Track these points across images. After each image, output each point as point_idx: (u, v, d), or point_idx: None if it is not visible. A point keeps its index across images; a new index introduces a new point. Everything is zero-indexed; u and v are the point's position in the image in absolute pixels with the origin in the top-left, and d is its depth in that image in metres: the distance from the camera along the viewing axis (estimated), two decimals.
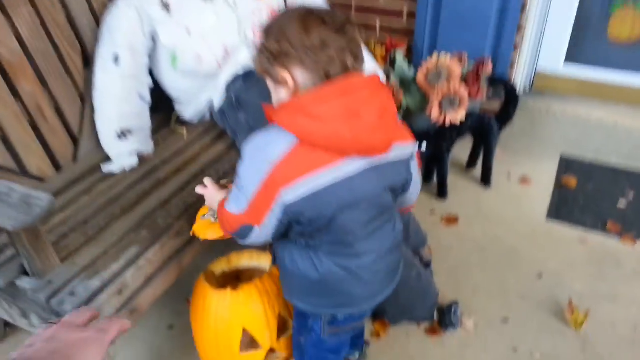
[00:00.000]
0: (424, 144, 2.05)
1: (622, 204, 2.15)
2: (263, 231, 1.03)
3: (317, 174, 0.95)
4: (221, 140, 1.76)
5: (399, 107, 2.08)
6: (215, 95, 1.76)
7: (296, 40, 0.94)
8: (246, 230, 1.04)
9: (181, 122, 1.87)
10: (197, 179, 1.55)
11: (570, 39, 2.35)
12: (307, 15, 0.96)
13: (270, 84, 1.03)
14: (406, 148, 1.08)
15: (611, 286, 1.79)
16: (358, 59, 0.99)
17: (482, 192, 2.26)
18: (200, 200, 1.28)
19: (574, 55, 2.38)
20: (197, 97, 1.80)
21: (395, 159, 1.05)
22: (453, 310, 1.65)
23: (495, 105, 2.28)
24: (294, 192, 0.95)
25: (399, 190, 1.14)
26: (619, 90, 2.34)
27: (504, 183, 2.30)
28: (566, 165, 2.40)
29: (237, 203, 1.03)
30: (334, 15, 0.97)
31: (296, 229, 1.05)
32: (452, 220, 2.08)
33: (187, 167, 1.63)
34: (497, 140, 2.17)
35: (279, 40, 0.96)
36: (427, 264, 1.79)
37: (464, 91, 2.00)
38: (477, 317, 1.68)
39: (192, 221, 1.33)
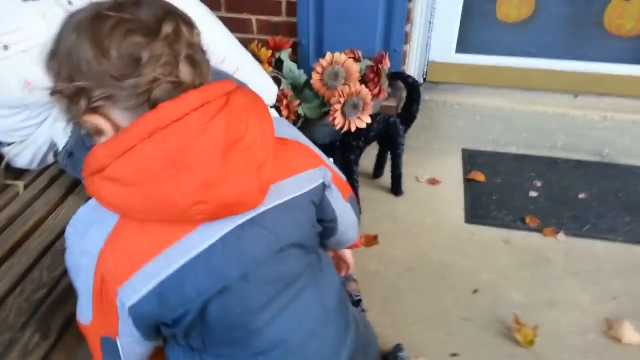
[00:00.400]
0: (332, 159, 1.77)
1: (533, 193, 2.07)
2: (127, 344, 0.70)
3: (156, 258, 0.63)
4: (75, 192, 1.30)
5: (297, 118, 1.77)
6: (57, 131, 1.31)
7: (93, 67, 0.60)
8: (111, 347, 0.71)
9: (13, 171, 1.38)
10: (46, 256, 1.10)
11: (461, 24, 2.21)
12: (98, 21, 0.60)
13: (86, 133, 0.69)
14: (304, 180, 0.77)
15: (547, 290, 1.66)
16: (195, 66, 0.65)
17: (394, 202, 2.04)
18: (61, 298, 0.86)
19: (465, 41, 2.24)
20: (32, 136, 1.34)
21: (287, 202, 0.73)
22: (399, 357, 1.39)
23: (396, 103, 2.07)
24: (133, 290, 0.64)
25: (311, 241, 0.82)
26: (512, 74, 2.26)
27: (414, 188, 2.10)
28: (470, 159, 2.27)
29: (82, 310, 0.71)
30: (138, 9, 0.62)
31: (165, 331, 0.72)
32: (371, 240, 1.83)
33: (29, 240, 1.15)
34: (404, 143, 1.96)
35: (70, 73, 0.62)
36: (356, 302, 1.52)
37: (366, 92, 1.75)
38: (425, 357, 1.45)
39: (45, 329, 0.89)
